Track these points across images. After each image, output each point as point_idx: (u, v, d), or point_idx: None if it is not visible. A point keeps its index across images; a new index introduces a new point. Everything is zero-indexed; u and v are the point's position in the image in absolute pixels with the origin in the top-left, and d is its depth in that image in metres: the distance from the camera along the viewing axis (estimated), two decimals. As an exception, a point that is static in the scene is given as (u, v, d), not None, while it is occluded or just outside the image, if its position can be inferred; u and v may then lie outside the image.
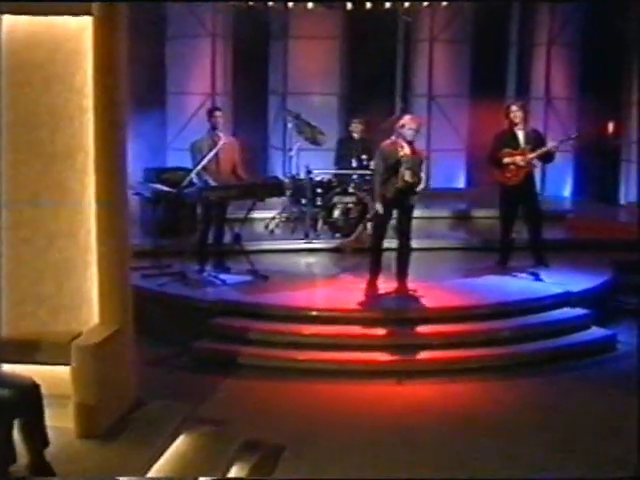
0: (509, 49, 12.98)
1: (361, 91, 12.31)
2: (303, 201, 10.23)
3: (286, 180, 10.49)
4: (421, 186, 8.17)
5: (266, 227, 10.48)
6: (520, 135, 9.02)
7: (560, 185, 12.63)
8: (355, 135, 10.68)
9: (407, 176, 7.78)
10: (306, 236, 10.00)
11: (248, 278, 8.63)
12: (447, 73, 12.83)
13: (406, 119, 7.98)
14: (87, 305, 5.60)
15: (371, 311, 7.94)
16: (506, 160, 8.90)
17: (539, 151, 8.95)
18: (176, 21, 12.21)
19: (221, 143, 8.47)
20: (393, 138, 7.99)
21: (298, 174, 10.48)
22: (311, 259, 9.72)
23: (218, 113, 8.70)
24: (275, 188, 8.77)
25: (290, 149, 10.72)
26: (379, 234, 8.18)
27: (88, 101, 5.45)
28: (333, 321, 7.78)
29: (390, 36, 12.63)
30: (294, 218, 10.38)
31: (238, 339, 7.68)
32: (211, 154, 8.41)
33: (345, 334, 7.61)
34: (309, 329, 7.67)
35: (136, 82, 11.86)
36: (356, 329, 7.67)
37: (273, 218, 10.51)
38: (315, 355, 7.39)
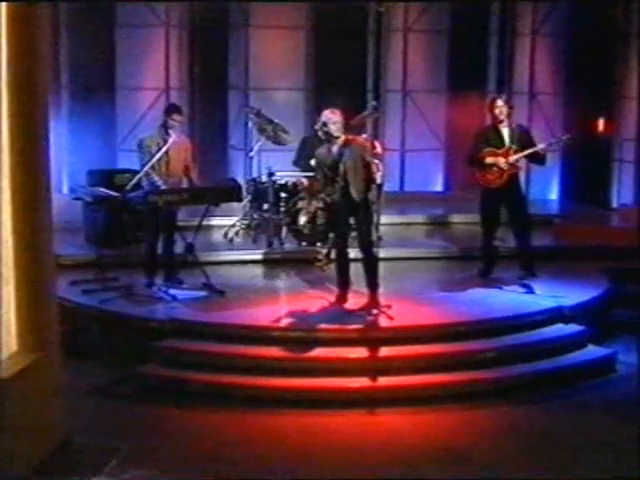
0: (489, 39, 12.78)
1: (329, 86, 12.05)
2: (265, 206, 9.88)
3: (246, 183, 10.22)
4: (378, 180, 7.85)
5: (225, 236, 10.16)
6: (505, 132, 8.77)
7: (546, 187, 12.46)
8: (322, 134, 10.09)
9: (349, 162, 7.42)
10: (269, 245, 9.71)
11: (203, 293, 8.31)
12: (423, 66, 12.68)
13: (324, 114, 7.59)
14: (3, 329, 5.06)
15: (339, 330, 7.62)
16: (488, 160, 8.67)
17: (525, 152, 8.72)
18: (125, 8, 11.99)
19: (170, 141, 8.12)
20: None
21: (260, 177, 10.19)
22: (274, 271, 9.43)
23: (179, 117, 8.32)
24: (231, 192, 8.37)
25: (251, 149, 10.42)
26: (339, 242, 7.91)
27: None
28: (297, 342, 7.47)
29: (360, 26, 12.44)
30: (255, 225, 10.05)
31: (190, 364, 7.36)
32: (160, 153, 8.09)
33: (310, 357, 7.32)
34: (271, 352, 7.36)
35: (82, 75, 12.21)
36: (323, 351, 7.38)
37: (232, 226, 10.19)
38: (277, 382, 7.10)
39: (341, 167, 7.47)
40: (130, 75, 12.07)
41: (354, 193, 7.54)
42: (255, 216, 10.10)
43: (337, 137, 7.55)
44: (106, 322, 7.84)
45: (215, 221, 10.20)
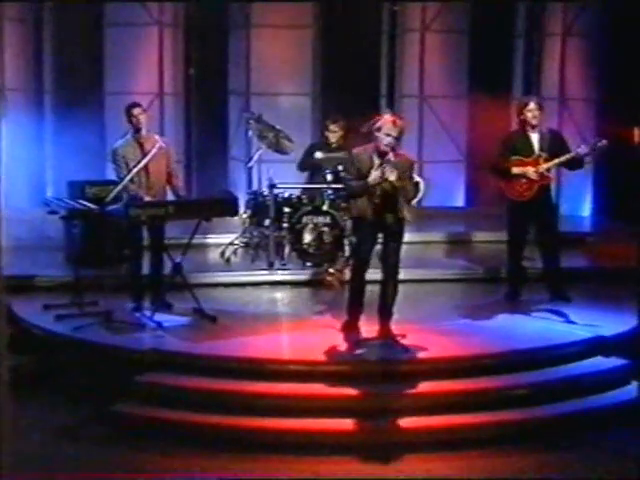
0: (515, 41, 12.62)
1: (339, 91, 11.80)
2: (266, 222, 9.53)
3: (246, 196, 10.00)
4: (418, 196, 7.69)
5: (221, 255, 9.87)
6: (534, 139, 8.45)
7: (577, 202, 12.30)
8: (331, 141, 9.95)
9: (391, 175, 7.07)
10: (270, 266, 9.36)
11: (192, 320, 7.99)
12: (441, 69, 12.53)
13: (385, 119, 7.29)
14: None
15: (345, 363, 7.22)
16: (515, 170, 8.36)
17: (557, 160, 8.36)
18: (115, 6, 11.77)
19: (158, 146, 7.87)
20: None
21: (261, 189, 9.90)
22: (275, 294, 9.13)
23: (137, 110, 8.07)
24: (225, 205, 8.00)
25: (250, 158, 10.11)
26: (358, 264, 7.61)
27: None
28: (298, 377, 7.06)
29: (373, 25, 12.37)
30: (255, 244, 9.74)
31: (173, 401, 6.90)
32: (145, 160, 7.83)
33: (313, 394, 6.88)
34: (267, 388, 6.91)
35: (67, 79, 11.84)
36: (327, 388, 6.93)
37: (230, 244, 9.91)
38: (273, 422, 6.65)
39: (379, 172, 7.18)
40: (120, 79, 11.82)
41: (399, 218, 7.33)
42: (255, 233, 9.79)
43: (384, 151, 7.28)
44: (80, 352, 7.47)
45: (211, 239, 10.11)
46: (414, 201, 7.62)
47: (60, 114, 11.75)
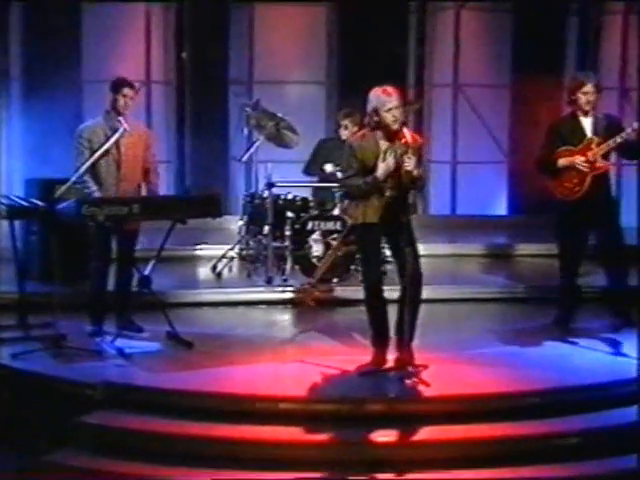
0: (568, 20, 12.55)
1: (357, 79, 11.25)
2: (265, 230, 9.27)
3: (243, 198, 9.95)
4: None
5: (213, 269, 9.71)
6: (586, 124, 7.96)
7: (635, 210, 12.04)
8: (345, 136, 9.56)
9: (410, 164, 6.64)
10: (268, 282, 9.10)
11: (163, 346, 7.65)
12: (480, 53, 12.49)
13: (372, 95, 6.90)
14: None
15: (351, 402, 6.58)
16: (562, 162, 7.88)
17: (614, 140, 7.76)
18: None
19: (121, 130, 7.47)
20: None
21: (260, 191, 9.69)
22: (272, 316, 8.86)
23: (129, 91, 7.67)
24: (203, 204, 7.58)
25: (246, 151, 9.72)
26: (373, 283, 7.14)
27: None
28: (290, 419, 6.46)
29: (399, 2, 12.40)
30: (252, 256, 9.55)
31: (130, 449, 6.32)
32: (106, 146, 7.44)
33: (309, 442, 6.31)
34: (249, 433, 6.32)
35: (38, 65, 11.53)
36: (327, 433, 6.35)
37: (223, 256, 9.75)
38: (258, 477, 6.06)
39: (390, 161, 6.81)
40: (100, 65, 11.55)
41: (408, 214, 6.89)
42: (252, 243, 9.62)
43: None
44: (17, 386, 6.98)
45: (204, 251, 10.18)
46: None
47: (29, 104, 11.66)
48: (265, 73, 11.99)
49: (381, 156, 6.74)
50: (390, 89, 6.81)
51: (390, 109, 6.67)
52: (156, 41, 11.89)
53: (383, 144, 6.82)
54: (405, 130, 6.76)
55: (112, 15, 11.62)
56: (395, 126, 6.69)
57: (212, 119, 12.10)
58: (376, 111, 6.73)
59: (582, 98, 7.82)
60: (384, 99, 6.72)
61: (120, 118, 7.49)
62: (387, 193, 6.75)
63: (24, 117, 11.61)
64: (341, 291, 8.92)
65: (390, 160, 6.63)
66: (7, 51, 11.52)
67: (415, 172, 6.68)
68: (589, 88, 7.85)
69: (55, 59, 11.49)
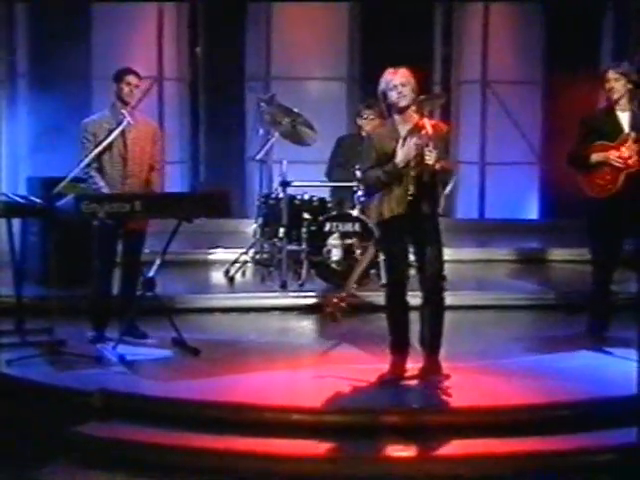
0: (603, 15, 12.51)
1: (381, 75, 11.37)
2: (280, 232, 9.21)
3: (258, 199, 9.90)
4: (451, 183, 7.33)
5: (226, 273, 9.71)
6: (623, 119, 7.77)
7: None
8: (366, 132, 9.43)
9: (430, 156, 6.46)
10: (282, 286, 9.05)
11: (169, 353, 7.57)
12: (510, 49, 12.43)
13: (385, 75, 6.85)
14: None
15: (367, 413, 6.44)
16: (595, 158, 7.72)
17: None
18: None
19: (125, 122, 7.38)
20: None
21: (276, 192, 9.61)
22: (286, 322, 8.78)
23: (133, 79, 7.65)
24: (211, 202, 7.47)
25: (261, 149, 9.60)
26: (394, 285, 6.98)
27: None
28: (301, 431, 6.28)
29: None
30: (266, 259, 9.56)
31: (126, 462, 6.07)
32: (108, 139, 7.38)
33: (320, 456, 6.11)
34: (258, 445, 6.10)
35: (46, 60, 11.59)
36: (342, 446, 6.20)
37: (236, 261, 9.76)
38: None
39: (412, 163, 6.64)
40: (110, 61, 11.04)
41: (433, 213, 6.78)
42: (266, 246, 9.61)
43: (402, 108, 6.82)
44: (9, 394, 6.75)
45: (217, 255, 10.21)
46: (448, 187, 7.19)
47: (36, 101, 11.60)
48: (283, 69, 11.99)
49: (400, 142, 6.56)
50: (396, 69, 6.75)
51: (395, 85, 6.57)
52: (169, 36, 11.90)
53: (402, 130, 6.67)
54: (426, 120, 6.59)
55: (123, 9, 11.62)
56: (402, 103, 6.56)
57: (228, 117, 12.08)
58: (384, 93, 6.64)
59: (606, 86, 7.76)
60: (388, 78, 6.67)
61: (124, 110, 7.44)
62: (410, 191, 6.58)
63: (31, 115, 11.62)
64: (363, 297, 8.81)
65: (410, 146, 6.46)
66: (14, 47, 11.53)
67: (437, 166, 6.48)
68: (611, 75, 7.75)
69: (63, 56, 11.47)
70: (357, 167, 9.05)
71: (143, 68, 10.91)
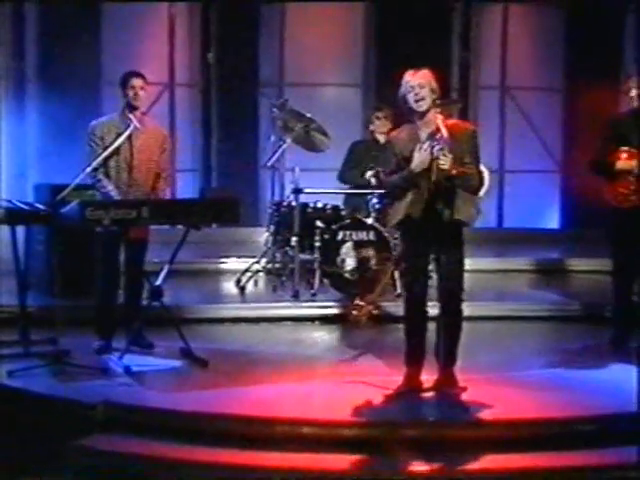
0: (625, 17, 12.30)
1: (396, 81, 11.43)
2: (293, 241, 9.13)
3: (270, 207, 9.89)
4: (483, 189, 7.35)
5: (237, 283, 9.67)
6: None
7: None
8: (379, 137, 9.48)
9: (443, 160, 6.34)
10: (294, 296, 9.00)
11: (176, 364, 7.49)
12: (530, 54, 12.50)
13: (405, 77, 6.68)
14: None
15: (382, 426, 6.34)
16: (620, 165, 7.67)
17: None
18: None
19: (131, 127, 7.34)
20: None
21: (289, 199, 9.57)
22: (298, 333, 8.70)
23: (138, 82, 7.61)
24: (219, 209, 7.40)
25: (273, 155, 9.51)
26: (412, 288, 6.90)
27: None
28: (313, 444, 6.16)
29: None
30: (278, 268, 9.53)
31: (130, 477, 5.94)
32: (114, 145, 7.32)
33: (333, 470, 5.98)
34: (269, 459, 5.99)
35: (55, 65, 11.46)
36: (355, 460, 6.05)
37: (247, 270, 9.74)
38: None
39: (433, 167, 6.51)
40: (120, 66, 10.71)
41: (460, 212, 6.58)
42: (278, 255, 9.59)
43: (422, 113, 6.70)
44: (9, 406, 6.70)
45: (229, 264, 10.21)
46: (481, 192, 6.99)
47: (45, 106, 11.52)
48: (297, 74, 11.97)
49: (417, 146, 6.43)
50: (417, 70, 6.60)
51: (413, 87, 6.43)
52: (180, 40, 11.92)
53: (423, 134, 6.53)
54: (440, 122, 6.43)
55: (133, 14, 11.61)
56: (422, 107, 6.40)
57: (240, 123, 12.08)
58: (404, 97, 6.49)
59: (630, 93, 7.76)
60: (406, 79, 6.54)
61: (130, 115, 7.41)
62: (424, 195, 6.47)
63: (40, 120, 11.56)
64: (382, 307, 8.75)
65: (425, 150, 6.31)
66: (23, 52, 11.44)
67: (453, 171, 6.31)
68: (630, 83, 7.85)
69: (72, 60, 11.40)
70: (369, 166, 9.08)
71: (154, 74, 10.84)
